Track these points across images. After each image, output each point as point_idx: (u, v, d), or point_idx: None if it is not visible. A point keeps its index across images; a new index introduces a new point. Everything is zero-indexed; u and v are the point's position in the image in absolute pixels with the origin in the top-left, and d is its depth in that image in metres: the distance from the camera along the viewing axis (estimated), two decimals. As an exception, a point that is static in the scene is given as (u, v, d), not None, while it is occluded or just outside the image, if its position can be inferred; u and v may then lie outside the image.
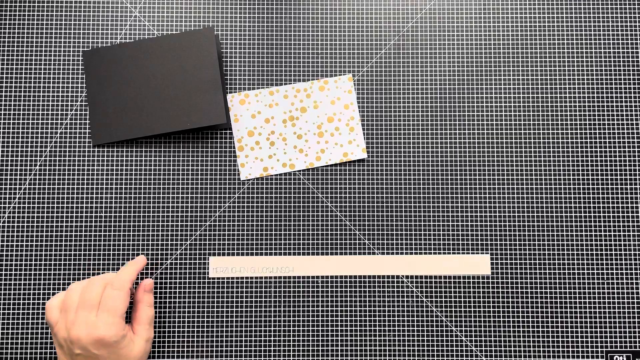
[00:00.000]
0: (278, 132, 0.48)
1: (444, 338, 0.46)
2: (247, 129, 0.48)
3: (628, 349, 0.46)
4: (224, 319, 0.46)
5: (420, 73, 0.49)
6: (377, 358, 0.46)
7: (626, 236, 0.47)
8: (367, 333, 0.46)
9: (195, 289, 0.47)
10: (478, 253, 0.47)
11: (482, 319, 0.46)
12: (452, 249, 0.47)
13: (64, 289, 0.46)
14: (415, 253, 0.47)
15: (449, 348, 0.46)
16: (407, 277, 0.47)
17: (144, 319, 0.43)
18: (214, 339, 0.46)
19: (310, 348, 0.46)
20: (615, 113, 0.49)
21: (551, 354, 0.46)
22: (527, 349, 0.46)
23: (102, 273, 0.47)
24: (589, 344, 0.46)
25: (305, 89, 0.48)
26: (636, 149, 0.48)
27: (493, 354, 0.46)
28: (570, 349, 0.46)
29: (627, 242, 0.47)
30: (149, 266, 0.47)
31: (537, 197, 0.48)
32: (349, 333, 0.46)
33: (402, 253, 0.47)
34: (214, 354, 0.46)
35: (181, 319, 0.46)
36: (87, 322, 0.39)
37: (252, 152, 0.48)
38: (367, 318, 0.46)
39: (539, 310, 0.47)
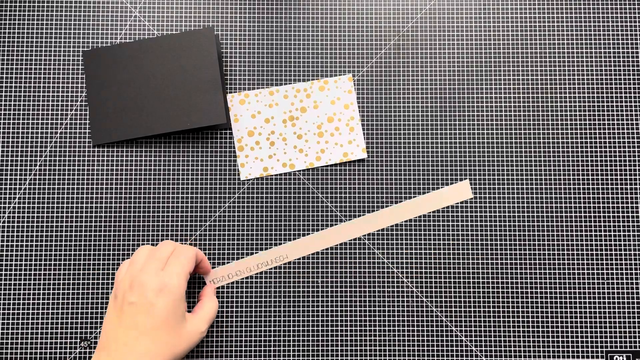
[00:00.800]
0: (278, 132, 0.48)
1: (444, 338, 0.46)
2: (247, 129, 0.48)
3: (628, 349, 0.46)
4: (224, 319, 0.46)
5: (420, 73, 0.49)
6: (377, 358, 0.46)
7: (626, 236, 0.47)
8: (367, 333, 0.46)
9: (195, 289, 0.47)
10: (478, 251, 0.47)
11: (482, 318, 0.46)
12: (453, 248, 0.47)
13: (64, 289, 0.46)
14: (416, 253, 0.47)
15: (449, 348, 0.46)
16: (407, 277, 0.47)
17: (204, 313, 0.42)
18: (214, 339, 0.46)
19: (310, 348, 0.46)
20: (615, 113, 0.49)
21: (551, 354, 0.46)
22: (527, 349, 0.46)
23: (102, 273, 0.47)
24: (589, 344, 0.46)
25: (305, 89, 0.48)
26: (636, 149, 0.48)
27: (493, 354, 0.46)
28: (570, 349, 0.46)
29: (627, 242, 0.47)
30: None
31: (537, 197, 0.48)
32: (348, 333, 0.46)
33: (402, 253, 0.47)
34: (214, 354, 0.46)
35: (181, 319, 0.46)
36: (156, 270, 0.40)
37: (252, 152, 0.48)
38: (367, 318, 0.46)
39: (539, 310, 0.47)
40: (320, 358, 0.46)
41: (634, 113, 0.48)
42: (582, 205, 0.48)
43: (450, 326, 0.46)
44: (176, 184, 0.48)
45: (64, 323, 0.46)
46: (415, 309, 0.47)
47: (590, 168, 0.48)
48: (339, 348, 0.46)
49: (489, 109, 0.49)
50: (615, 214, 0.48)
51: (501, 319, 0.46)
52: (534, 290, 0.47)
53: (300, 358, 0.46)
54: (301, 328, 0.46)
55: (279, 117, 0.48)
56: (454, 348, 0.46)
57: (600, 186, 0.48)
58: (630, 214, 0.48)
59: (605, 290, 0.47)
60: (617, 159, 0.48)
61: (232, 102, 0.48)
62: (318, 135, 0.48)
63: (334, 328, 0.46)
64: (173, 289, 0.39)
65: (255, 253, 0.47)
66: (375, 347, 0.46)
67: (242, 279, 0.47)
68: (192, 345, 0.40)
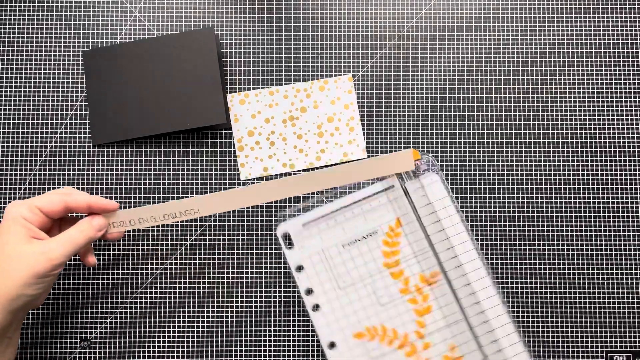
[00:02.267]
0: (278, 132, 0.48)
1: (444, 338, 0.46)
2: (247, 129, 0.48)
3: (628, 349, 0.46)
4: (224, 318, 0.46)
5: (420, 73, 0.49)
6: (377, 358, 0.46)
7: (626, 236, 0.47)
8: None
9: (195, 289, 0.47)
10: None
11: (482, 319, 0.46)
12: (452, 249, 0.47)
13: (64, 289, 0.46)
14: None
15: (449, 348, 0.46)
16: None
17: (60, 237, 0.38)
18: (214, 338, 0.46)
19: (310, 348, 0.46)
20: (615, 113, 0.49)
21: (551, 354, 0.46)
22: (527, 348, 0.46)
23: (102, 273, 0.47)
24: (589, 344, 0.46)
25: (305, 89, 0.48)
26: (636, 149, 0.48)
27: (493, 354, 0.46)
28: (570, 349, 0.46)
29: (627, 242, 0.47)
30: (149, 266, 0.47)
31: (537, 197, 0.48)
32: (349, 333, 0.46)
33: (402, 253, 0.47)
34: (214, 354, 0.46)
35: (181, 319, 0.46)
36: None
37: (252, 152, 0.48)
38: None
39: (539, 310, 0.47)
40: (320, 358, 0.46)
41: (634, 113, 0.48)
42: (582, 205, 0.48)
43: (450, 326, 0.46)
44: (176, 184, 0.48)
45: (64, 323, 0.46)
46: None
47: (590, 168, 0.48)
48: (339, 348, 0.46)
49: (489, 109, 0.49)
50: (615, 214, 0.48)
51: (501, 319, 0.46)
52: (533, 290, 0.47)
53: (301, 358, 0.46)
54: (301, 328, 0.46)
55: (279, 117, 0.48)
56: (454, 348, 0.46)
57: (600, 186, 0.48)
58: (630, 214, 0.48)
59: (605, 290, 0.47)
60: (617, 159, 0.48)
61: (232, 102, 0.48)
62: (318, 135, 0.48)
63: (334, 328, 0.46)
64: (7, 213, 0.38)
65: (256, 253, 0.47)
66: (375, 347, 0.46)
67: (150, 227, 0.46)
68: (32, 269, 0.36)
